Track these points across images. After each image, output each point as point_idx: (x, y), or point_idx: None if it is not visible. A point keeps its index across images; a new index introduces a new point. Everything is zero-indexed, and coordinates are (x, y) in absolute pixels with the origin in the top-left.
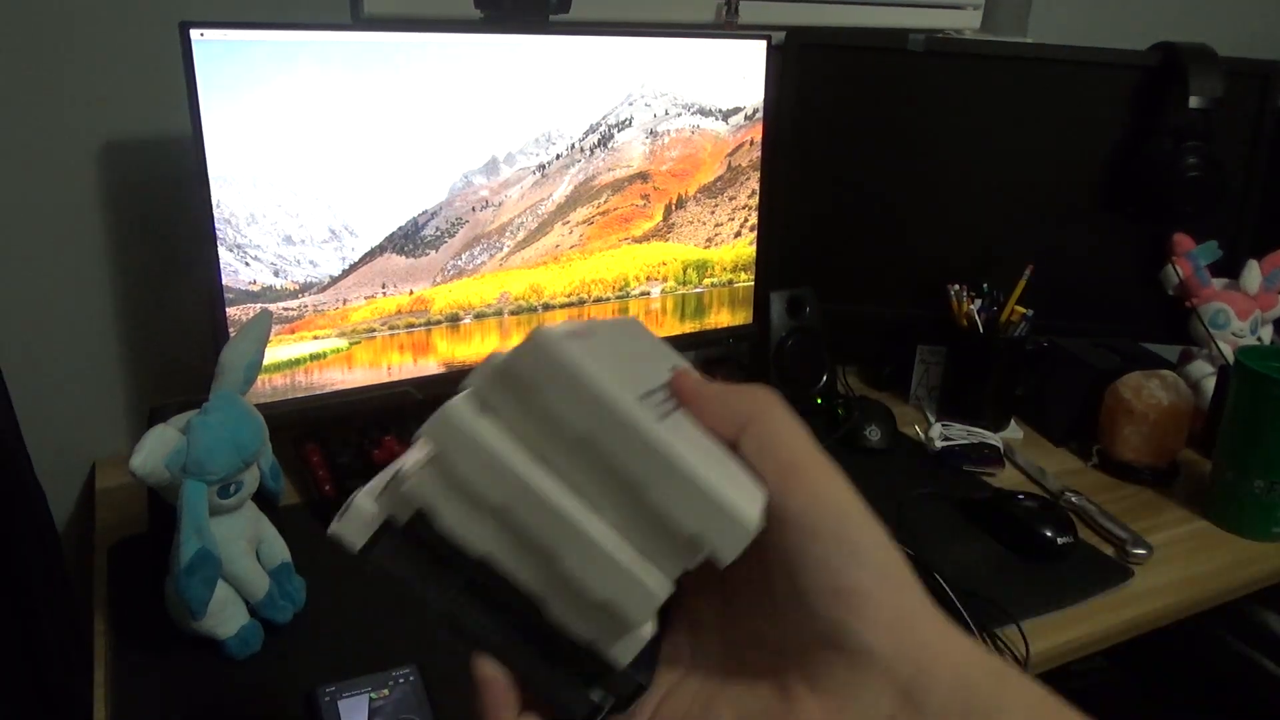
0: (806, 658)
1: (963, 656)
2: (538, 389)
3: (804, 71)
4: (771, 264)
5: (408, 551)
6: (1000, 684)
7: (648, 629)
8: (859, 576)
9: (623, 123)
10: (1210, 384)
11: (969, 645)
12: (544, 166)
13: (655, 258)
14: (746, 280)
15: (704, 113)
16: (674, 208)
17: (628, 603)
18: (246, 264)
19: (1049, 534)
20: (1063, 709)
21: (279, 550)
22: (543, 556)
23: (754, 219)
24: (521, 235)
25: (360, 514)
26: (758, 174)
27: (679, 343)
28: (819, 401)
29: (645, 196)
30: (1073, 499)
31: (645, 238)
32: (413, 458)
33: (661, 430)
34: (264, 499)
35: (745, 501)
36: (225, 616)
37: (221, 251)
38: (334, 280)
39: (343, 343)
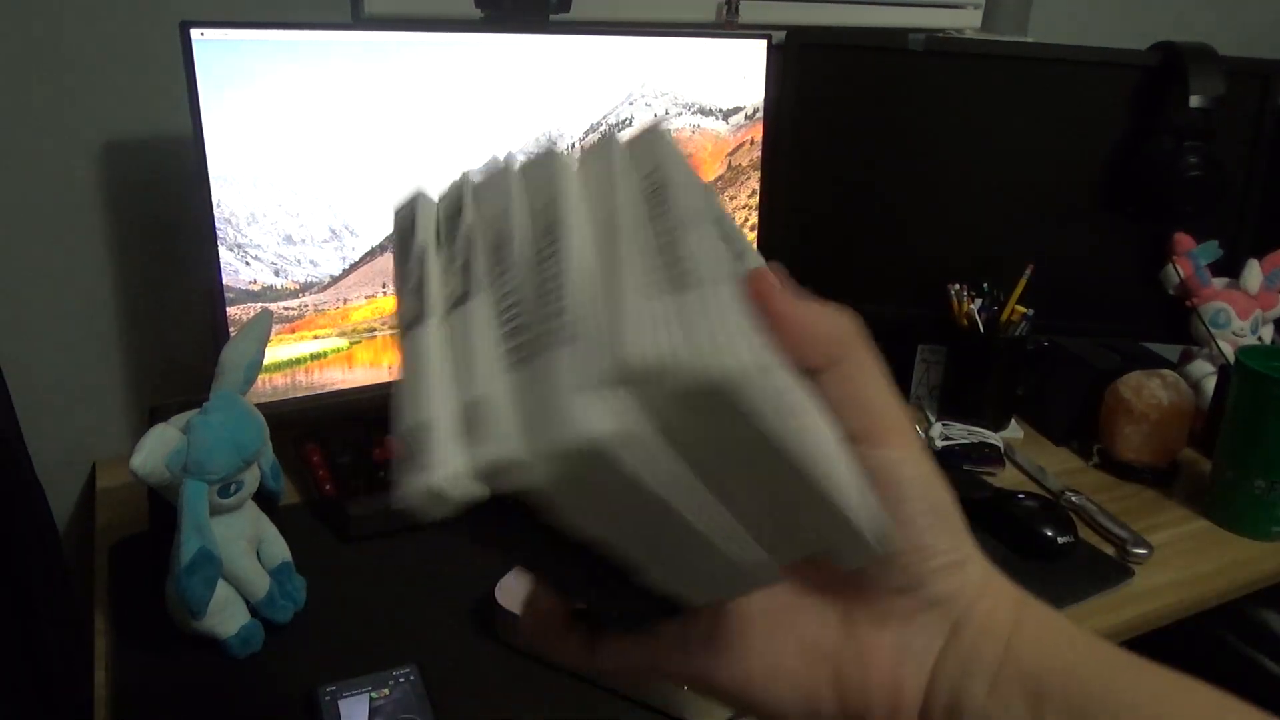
0: (878, 599)
1: (1042, 621)
2: (705, 417)
3: (804, 71)
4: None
5: (490, 512)
6: (1073, 646)
7: None
8: (937, 536)
9: (623, 122)
10: (1211, 383)
11: (1047, 616)
12: None
13: None
14: None
15: (704, 112)
16: None
17: (732, 588)
18: (247, 263)
19: (1049, 533)
20: (1141, 662)
21: (279, 550)
22: (655, 546)
23: (754, 219)
24: None
25: (452, 476)
26: (758, 174)
27: None
28: None
29: None
30: (1073, 498)
31: None
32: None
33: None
34: (264, 499)
35: (877, 522)
36: (226, 616)
37: (222, 251)
38: (334, 280)
39: (343, 342)
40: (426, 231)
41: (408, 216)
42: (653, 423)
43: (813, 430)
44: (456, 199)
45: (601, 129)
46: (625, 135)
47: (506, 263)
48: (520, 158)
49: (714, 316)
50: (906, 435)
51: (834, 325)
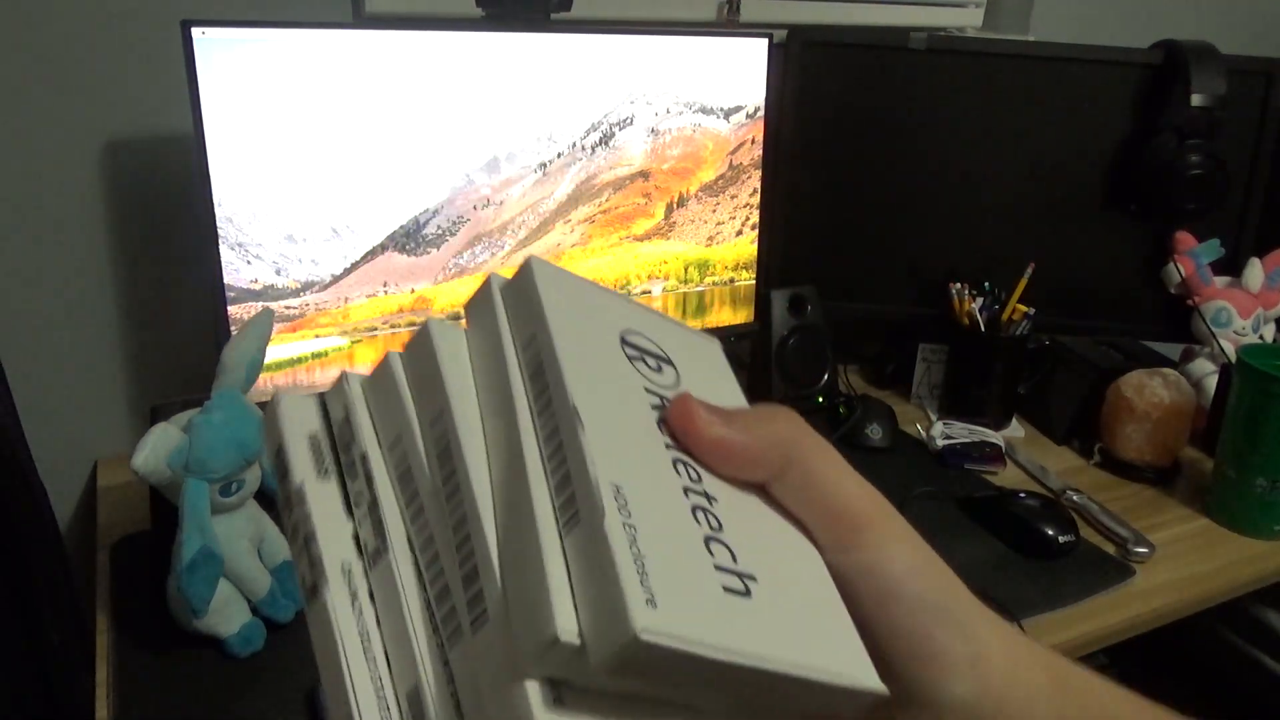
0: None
1: (1038, 677)
2: (652, 677)
3: (805, 70)
4: (773, 262)
5: None
6: (1065, 693)
7: None
8: (944, 638)
9: (624, 121)
10: (1212, 382)
11: (1090, 698)
12: (545, 165)
13: (657, 256)
14: (748, 279)
15: (705, 111)
16: (675, 206)
17: None
18: (248, 262)
19: (1050, 532)
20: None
21: (281, 549)
22: None
23: (755, 217)
24: (523, 234)
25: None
26: (759, 172)
27: None
28: (821, 400)
29: (646, 195)
30: (1074, 497)
31: (647, 236)
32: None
33: (796, 656)
34: (266, 497)
35: (866, 671)
36: (227, 615)
37: (223, 250)
38: (335, 278)
39: (344, 341)
40: (301, 458)
41: (275, 437)
42: (596, 690)
43: (760, 630)
44: (342, 413)
45: (601, 128)
46: (500, 285)
47: (416, 500)
48: (397, 356)
49: (606, 562)
50: (880, 527)
51: (766, 438)
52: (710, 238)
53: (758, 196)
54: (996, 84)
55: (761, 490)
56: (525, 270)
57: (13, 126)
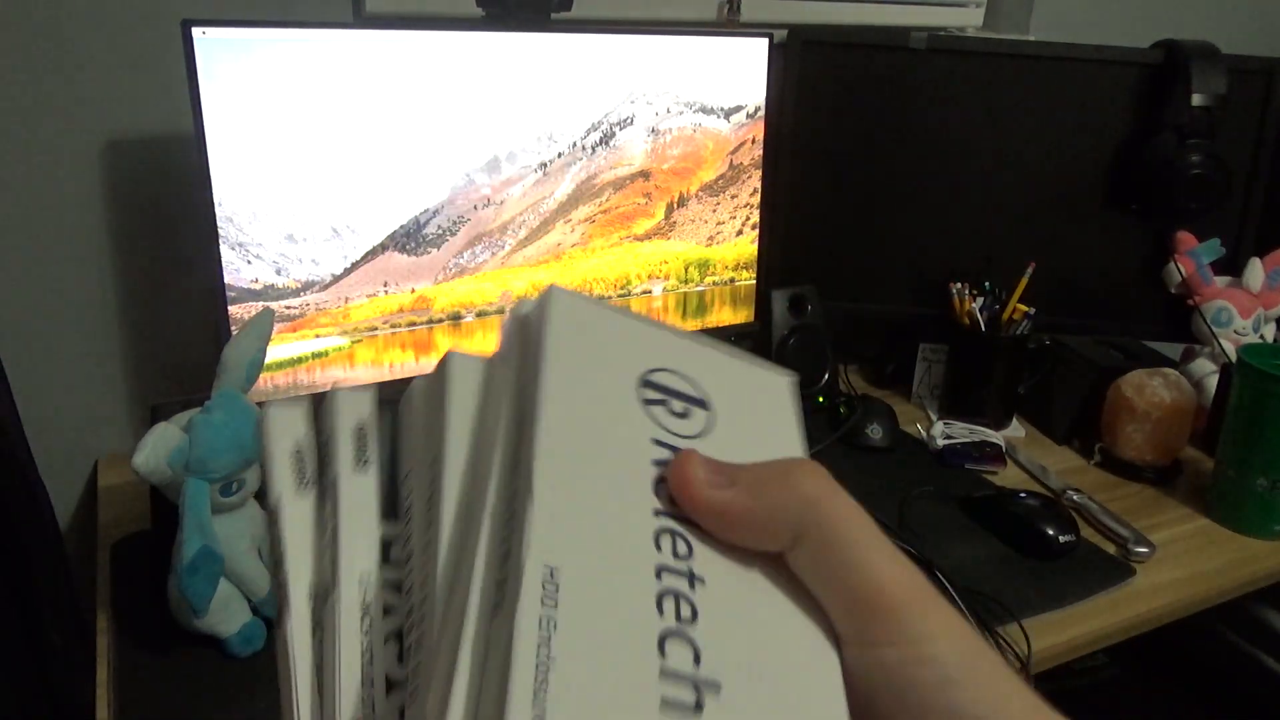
0: None
1: None
2: None
3: (806, 69)
4: (773, 262)
5: None
6: None
7: None
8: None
9: (624, 121)
10: (1213, 382)
11: None
12: (546, 165)
13: (657, 256)
14: (748, 278)
15: (706, 111)
16: (676, 206)
17: None
18: (248, 262)
19: (1051, 532)
20: None
21: None
22: None
23: (756, 217)
24: (523, 233)
25: None
26: (759, 172)
27: None
28: (821, 400)
29: (647, 195)
30: (1075, 497)
31: (647, 236)
32: None
33: None
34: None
35: None
36: (228, 614)
37: (223, 249)
38: (336, 278)
39: (344, 341)
40: (282, 472)
41: (261, 449)
42: None
43: None
44: (326, 433)
45: (602, 128)
46: (521, 314)
47: (404, 542)
48: (420, 385)
49: (505, 663)
50: (916, 615)
51: (777, 501)
52: (710, 237)
53: (758, 196)
54: (996, 84)
55: (782, 564)
56: (542, 302)
57: (13, 126)
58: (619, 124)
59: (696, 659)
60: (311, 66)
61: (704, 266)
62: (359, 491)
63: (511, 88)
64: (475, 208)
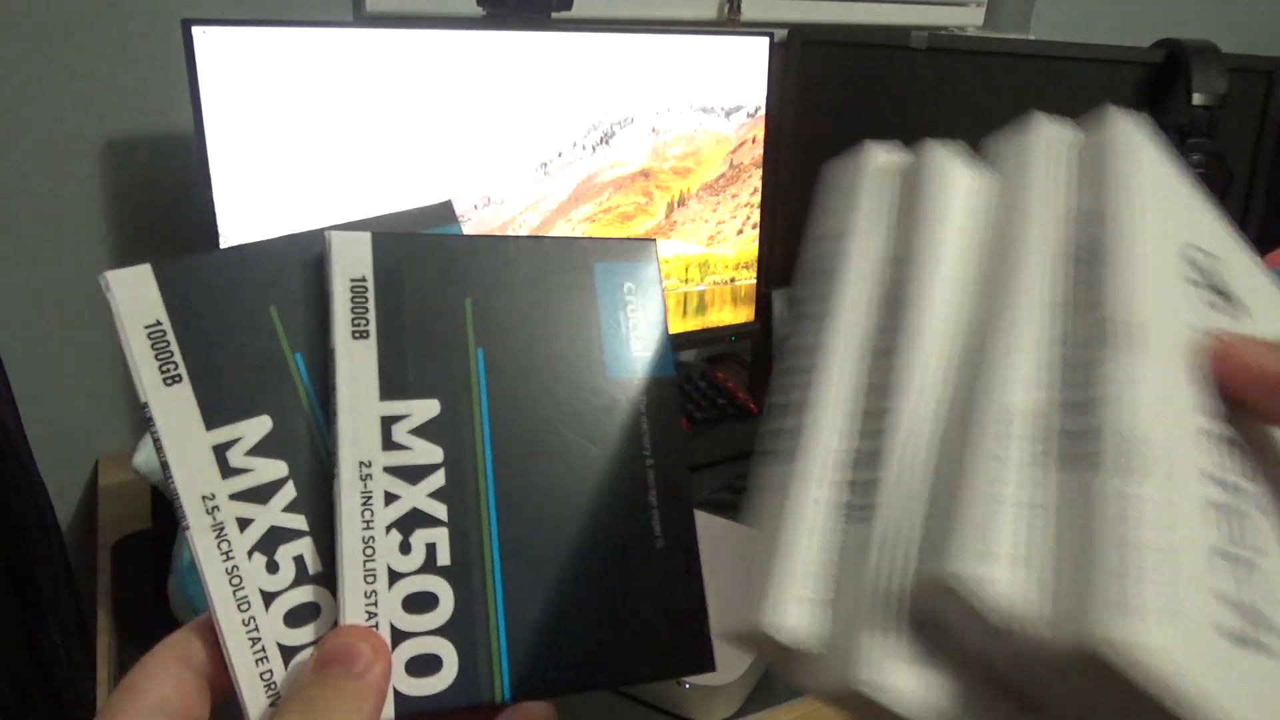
0: None
1: None
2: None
3: (806, 69)
4: (774, 261)
5: None
6: None
7: None
8: None
9: (625, 120)
10: None
11: None
12: (546, 164)
13: None
14: (749, 278)
15: (706, 110)
16: (676, 205)
17: None
18: None
19: None
20: None
21: None
22: None
23: (756, 216)
24: (524, 233)
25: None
26: (760, 171)
27: (681, 341)
28: None
29: (647, 194)
30: None
31: (647, 235)
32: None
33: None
34: None
35: None
36: None
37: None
38: None
39: None
40: (145, 365)
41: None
42: (963, 669)
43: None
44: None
45: (602, 127)
46: (1056, 136)
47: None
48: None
49: (1097, 536)
50: None
51: None
52: (711, 237)
53: (758, 196)
54: (997, 83)
55: None
56: (1113, 128)
57: (13, 126)
58: (619, 123)
59: (1245, 592)
60: (312, 66)
61: (704, 266)
62: (358, 365)
63: (512, 87)
64: (475, 207)
